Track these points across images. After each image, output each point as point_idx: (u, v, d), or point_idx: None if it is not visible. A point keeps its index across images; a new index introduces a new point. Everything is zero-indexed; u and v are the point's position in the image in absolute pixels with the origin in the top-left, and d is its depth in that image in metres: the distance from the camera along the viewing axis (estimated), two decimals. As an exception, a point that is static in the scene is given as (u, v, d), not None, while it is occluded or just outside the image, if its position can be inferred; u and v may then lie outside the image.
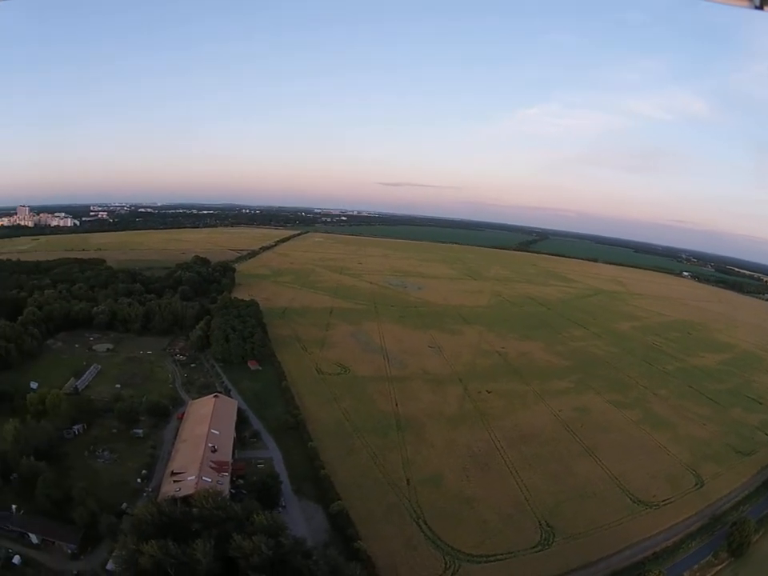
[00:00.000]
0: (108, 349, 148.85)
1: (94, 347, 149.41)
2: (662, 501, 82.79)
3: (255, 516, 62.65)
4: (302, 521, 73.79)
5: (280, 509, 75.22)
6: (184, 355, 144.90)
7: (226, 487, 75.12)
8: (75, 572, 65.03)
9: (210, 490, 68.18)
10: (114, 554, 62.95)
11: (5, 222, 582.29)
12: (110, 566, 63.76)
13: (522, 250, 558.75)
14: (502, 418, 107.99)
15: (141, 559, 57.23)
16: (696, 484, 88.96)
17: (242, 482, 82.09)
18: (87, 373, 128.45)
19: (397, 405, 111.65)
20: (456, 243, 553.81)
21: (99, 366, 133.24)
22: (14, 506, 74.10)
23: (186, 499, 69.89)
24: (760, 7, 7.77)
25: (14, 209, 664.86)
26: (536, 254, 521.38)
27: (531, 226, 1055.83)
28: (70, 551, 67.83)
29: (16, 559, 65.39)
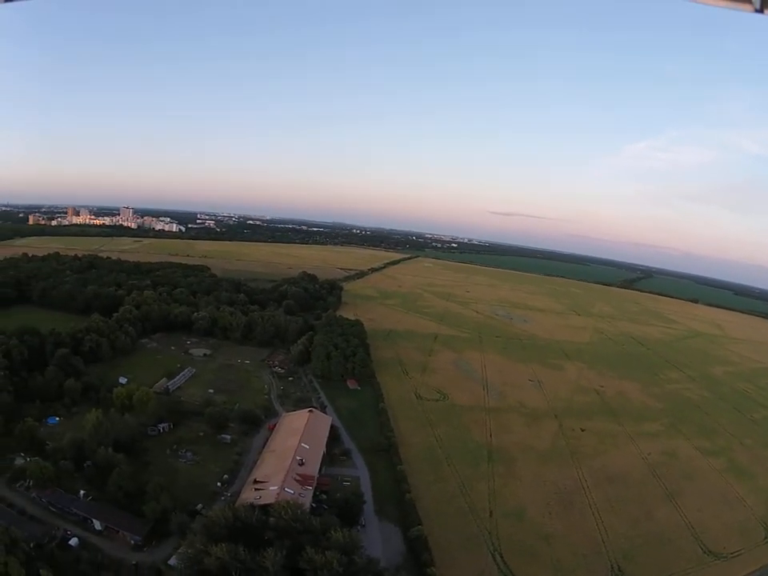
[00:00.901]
0: (205, 354, 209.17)
1: (190, 351, 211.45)
2: (731, 553, 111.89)
3: (332, 532, 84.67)
4: (379, 541, 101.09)
5: (359, 527, 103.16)
6: (283, 368, 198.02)
7: (307, 500, 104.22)
8: (134, 562, 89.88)
9: (291, 502, 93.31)
10: (179, 551, 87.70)
11: (107, 221, 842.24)
12: (172, 561, 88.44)
13: (626, 287, 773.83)
14: (591, 457, 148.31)
15: (206, 560, 77.54)
16: (765, 538, 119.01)
17: (324, 497, 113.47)
18: (181, 375, 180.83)
19: (491, 436, 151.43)
20: (563, 277, 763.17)
21: (194, 370, 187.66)
22: (82, 492, 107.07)
23: (264, 508, 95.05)
24: (760, 10, 9.51)
25: (118, 209, 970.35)
26: (639, 292, 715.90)
27: (636, 263, 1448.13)
28: (133, 542, 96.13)
29: (73, 541, 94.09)
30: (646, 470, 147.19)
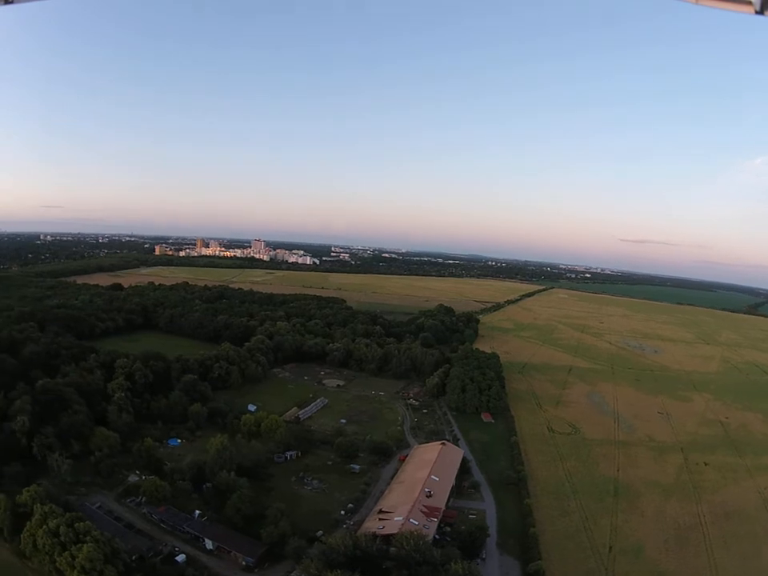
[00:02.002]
0: (338, 385, 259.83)
1: (324, 381, 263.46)
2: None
3: (452, 564, 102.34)
4: (497, 575, 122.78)
5: (479, 560, 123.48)
6: (417, 400, 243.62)
7: (431, 532, 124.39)
8: None
9: (414, 532, 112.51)
10: (291, 575, 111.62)
11: (237, 253, 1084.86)
12: None
13: (751, 313, 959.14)
14: (712, 492, 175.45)
15: None
16: None
17: (449, 529, 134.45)
18: (313, 404, 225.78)
19: (618, 470, 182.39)
20: (692, 305, 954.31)
21: (327, 400, 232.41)
22: (197, 512, 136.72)
23: (387, 538, 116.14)
24: (760, 12, 12.41)
25: (249, 242, 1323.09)
26: (765, 318, 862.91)
27: (760, 287, 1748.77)
28: (244, 563, 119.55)
29: (180, 557, 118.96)
30: (761, 505, 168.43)
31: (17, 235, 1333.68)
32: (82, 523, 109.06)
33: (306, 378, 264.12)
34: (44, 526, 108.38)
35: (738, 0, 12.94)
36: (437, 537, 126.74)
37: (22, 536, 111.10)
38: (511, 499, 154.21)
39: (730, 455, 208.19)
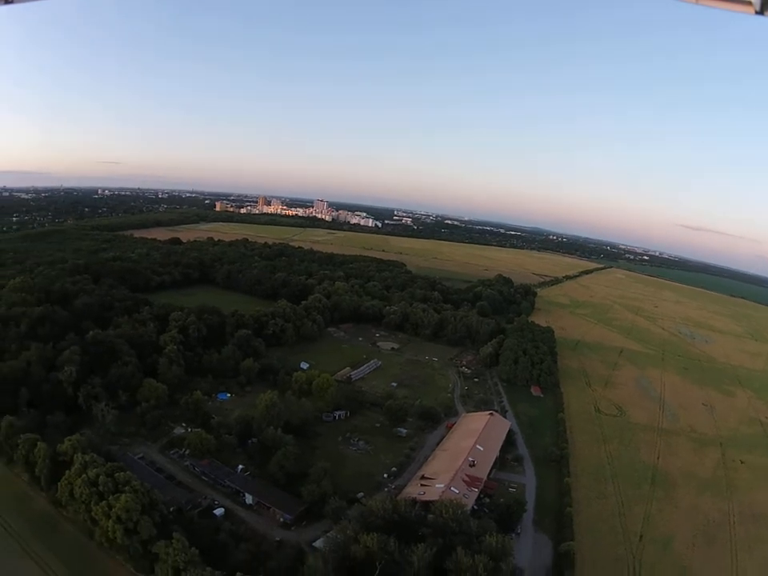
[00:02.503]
0: (393, 348, 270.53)
1: (378, 344, 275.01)
2: None
3: (487, 536, 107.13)
4: (529, 551, 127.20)
5: (513, 535, 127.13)
6: (470, 368, 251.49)
7: (470, 502, 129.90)
8: (278, 539, 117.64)
9: (453, 501, 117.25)
10: (328, 534, 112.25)
11: (299, 212, 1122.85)
12: (318, 543, 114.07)
13: None
14: (744, 491, 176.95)
15: (354, 547, 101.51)
16: None
17: (488, 500, 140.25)
18: (366, 366, 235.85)
19: (658, 458, 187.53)
20: (744, 299, 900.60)
21: (380, 363, 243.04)
22: (240, 466, 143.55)
23: (426, 504, 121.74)
24: (761, 12, 12.85)
25: (311, 201, 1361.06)
26: None
27: None
28: (282, 520, 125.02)
29: (218, 511, 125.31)
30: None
31: (73, 190, 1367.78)
32: (122, 473, 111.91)
33: (360, 339, 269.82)
34: (83, 475, 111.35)
35: (739, 1, 13.23)
36: (475, 507, 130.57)
37: (59, 484, 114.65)
38: (552, 476, 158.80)
39: (766, 456, 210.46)
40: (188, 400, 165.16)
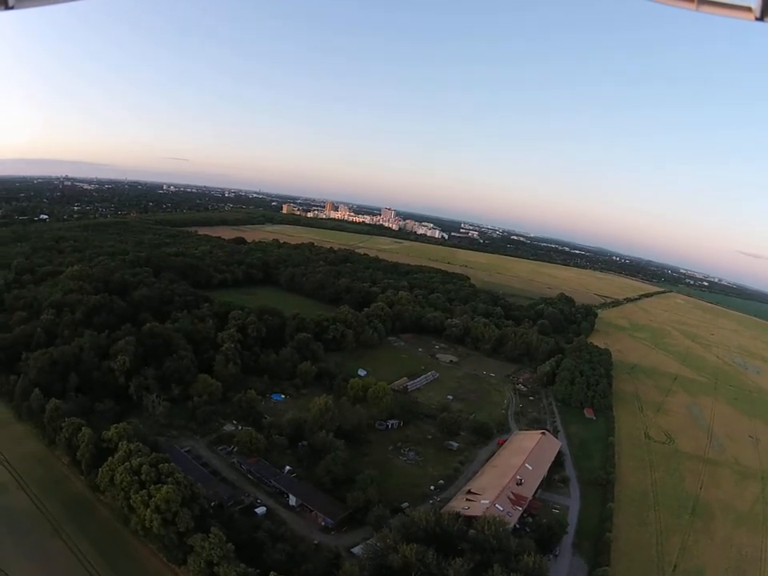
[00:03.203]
0: (451, 361, 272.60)
1: (437, 355, 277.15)
2: None
3: (525, 555, 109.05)
4: (564, 574, 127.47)
5: (551, 556, 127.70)
6: (526, 386, 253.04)
7: (513, 520, 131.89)
8: (316, 542, 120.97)
9: (497, 518, 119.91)
10: (368, 541, 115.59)
11: (367, 219, 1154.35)
12: (356, 550, 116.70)
13: None
14: None
15: (392, 556, 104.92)
16: None
17: (530, 520, 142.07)
18: (423, 377, 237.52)
19: (701, 488, 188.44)
20: None
21: (437, 374, 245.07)
22: (287, 467, 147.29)
23: (469, 519, 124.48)
24: (761, 18, 12.73)
25: (379, 209, 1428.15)
26: None
27: None
28: (324, 524, 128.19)
29: (260, 510, 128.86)
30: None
31: (138, 183, 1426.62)
32: (166, 464, 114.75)
33: (420, 349, 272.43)
34: (126, 463, 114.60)
35: (739, 6, 13.17)
36: (517, 525, 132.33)
37: (100, 470, 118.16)
38: (596, 500, 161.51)
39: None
40: (241, 398, 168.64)
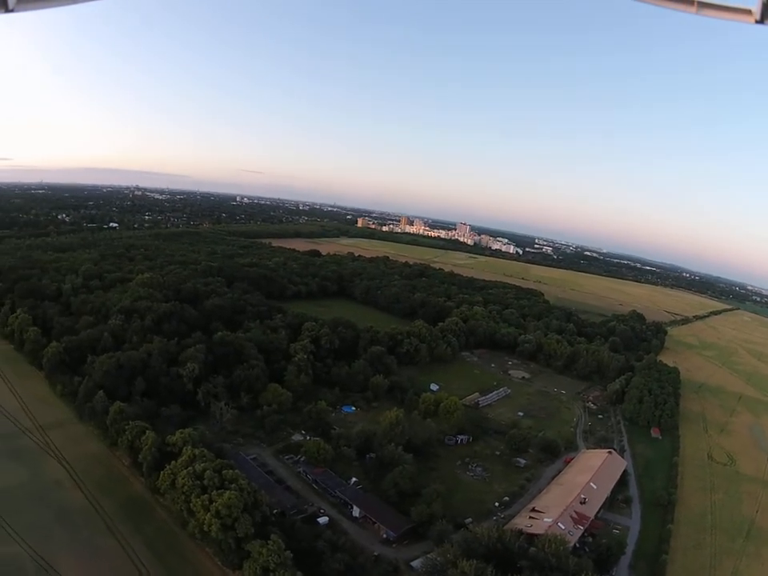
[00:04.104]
0: (523, 377, 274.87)
1: (510, 372, 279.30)
2: None
3: (583, 575, 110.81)
4: None
5: None
6: (595, 404, 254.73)
7: (573, 539, 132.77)
8: (376, 554, 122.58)
9: (558, 537, 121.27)
10: (428, 555, 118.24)
11: (442, 234, 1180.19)
12: (415, 563, 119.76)
13: None
14: None
15: (451, 571, 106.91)
16: None
17: (590, 539, 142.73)
18: (494, 393, 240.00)
19: (757, 512, 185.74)
20: None
21: (509, 391, 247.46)
22: (353, 479, 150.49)
23: (531, 537, 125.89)
24: (761, 21, 13.33)
25: (454, 224, 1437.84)
26: None
27: None
28: (385, 536, 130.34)
29: (322, 519, 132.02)
30: None
31: (210, 195, 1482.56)
32: (230, 471, 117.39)
33: (493, 365, 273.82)
34: (189, 468, 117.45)
35: (739, 9, 13.85)
36: (577, 545, 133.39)
37: (162, 473, 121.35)
38: (656, 521, 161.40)
39: None
40: (312, 409, 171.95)
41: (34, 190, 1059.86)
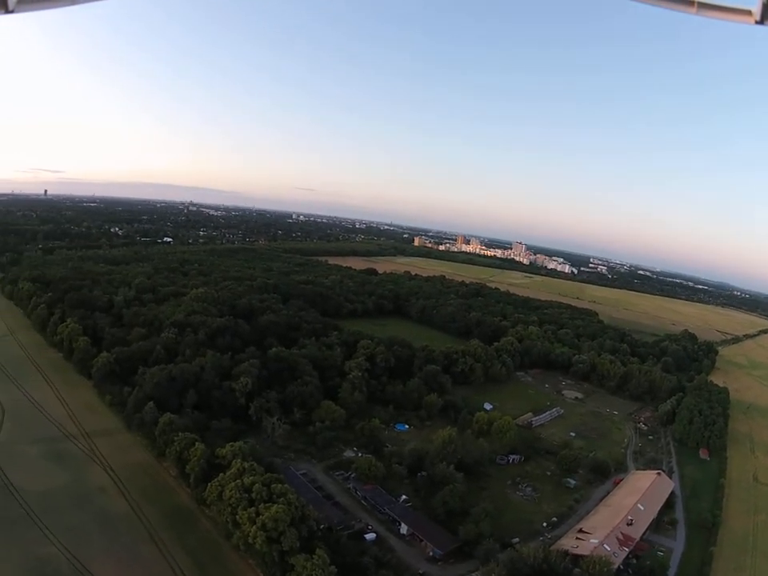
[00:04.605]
0: (576, 398, 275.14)
1: (563, 392, 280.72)
2: None
3: None
4: None
5: None
6: (646, 425, 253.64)
7: (618, 561, 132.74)
8: (421, 572, 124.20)
9: (603, 559, 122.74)
10: (472, 575, 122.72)
11: (498, 253, 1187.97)
12: None
13: None
14: None
15: None
16: None
17: (634, 561, 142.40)
18: (548, 413, 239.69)
19: None
20: None
21: (562, 411, 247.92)
22: (403, 497, 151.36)
23: (576, 558, 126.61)
24: (761, 22, 13.38)
25: (509, 243, 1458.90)
26: None
27: None
28: (431, 554, 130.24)
29: (369, 536, 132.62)
30: None
31: (266, 212, 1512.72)
32: (279, 485, 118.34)
33: (546, 385, 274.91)
34: (237, 480, 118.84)
35: (738, 10, 13.89)
36: (621, 567, 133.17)
37: (209, 485, 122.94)
38: (700, 543, 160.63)
39: None
40: (364, 426, 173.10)
41: (86, 202, 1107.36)
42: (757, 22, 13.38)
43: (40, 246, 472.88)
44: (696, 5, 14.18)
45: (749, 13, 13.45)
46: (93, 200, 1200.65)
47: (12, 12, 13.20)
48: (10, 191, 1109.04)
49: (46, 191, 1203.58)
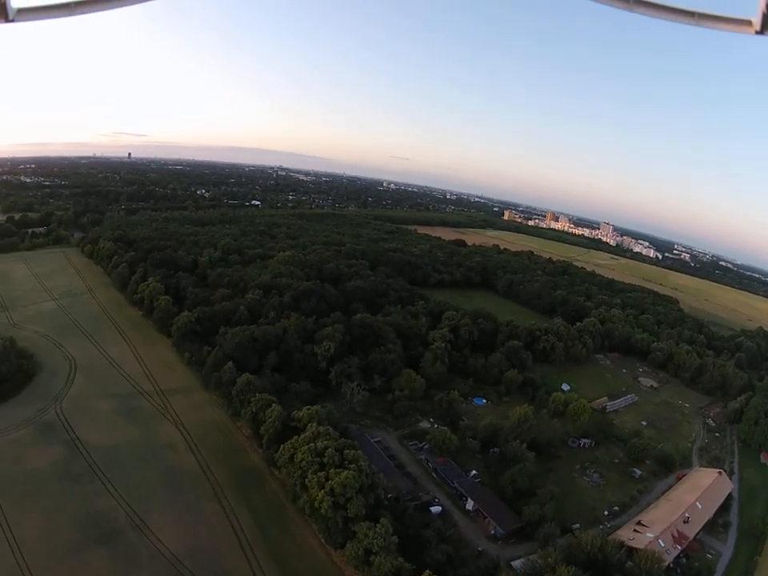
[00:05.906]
0: (652, 386, 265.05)
1: (639, 379, 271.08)
2: None
3: None
4: None
5: None
6: (715, 421, 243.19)
7: (669, 558, 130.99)
8: (480, 549, 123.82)
9: (656, 554, 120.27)
10: (530, 557, 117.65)
11: (585, 232, 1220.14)
12: (516, 563, 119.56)
13: None
14: None
15: (548, 575, 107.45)
16: None
17: (684, 561, 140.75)
18: (622, 399, 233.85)
19: None
20: None
21: (636, 398, 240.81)
22: (473, 472, 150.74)
23: (631, 550, 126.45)
24: (761, 32, 13.38)
25: (597, 223, 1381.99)
26: None
27: None
28: (493, 532, 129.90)
29: (435, 509, 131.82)
30: None
31: (357, 179, 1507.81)
32: (352, 451, 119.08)
33: (624, 370, 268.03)
34: (311, 444, 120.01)
35: (739, 20, 13.82)
36: (671, 564, 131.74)
37: (282, 446, 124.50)
38: (747, 551, 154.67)
39: None
40: (443, 398, 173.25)
41: (172, 165, 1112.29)
42: (757, 32, 13.42)
43: (123, 207, 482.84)
44: (696, 15, 14.35)
45: (749, 23, 13.53)
46: (179, 163, 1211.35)
47: (12, 21, 13.62)
48: (91, 154, 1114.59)
49: (129, 154, 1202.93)
